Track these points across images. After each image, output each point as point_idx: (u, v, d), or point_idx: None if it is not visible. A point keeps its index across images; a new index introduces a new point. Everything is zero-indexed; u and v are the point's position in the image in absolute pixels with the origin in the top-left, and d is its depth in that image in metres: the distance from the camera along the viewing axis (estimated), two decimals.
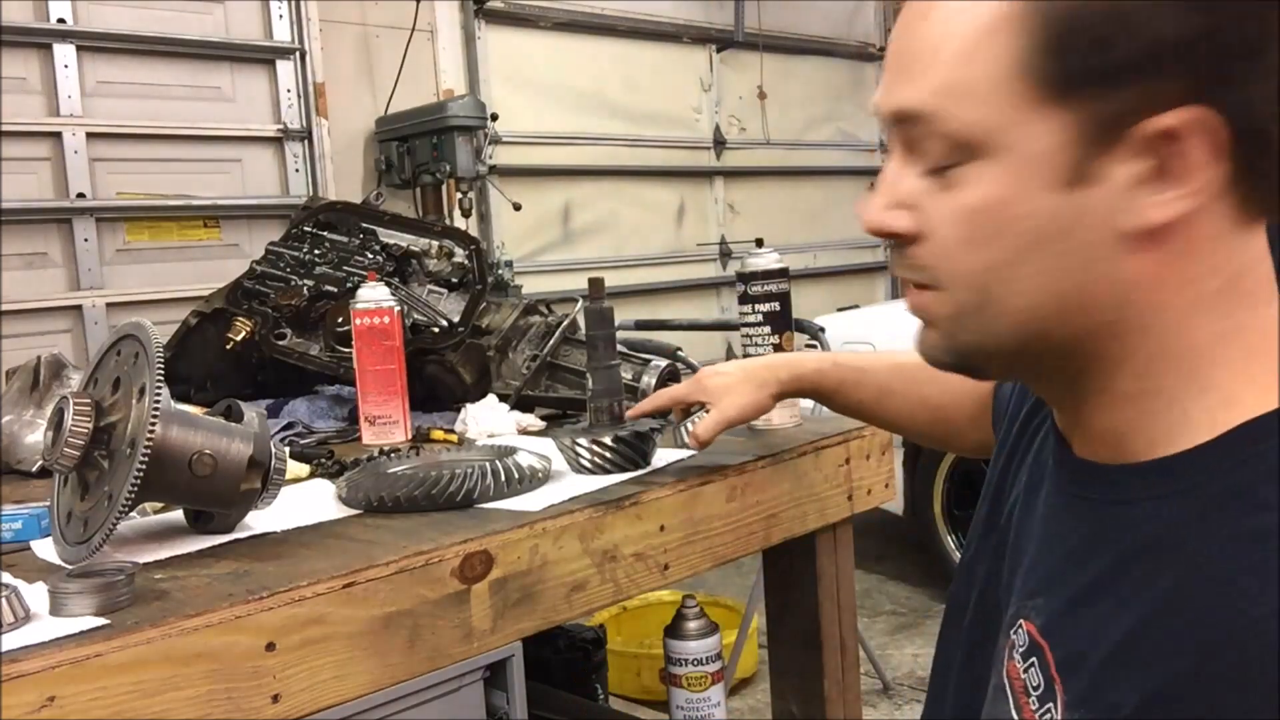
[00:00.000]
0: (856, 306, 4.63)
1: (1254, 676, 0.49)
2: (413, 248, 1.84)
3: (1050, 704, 0.59)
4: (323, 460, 1.38)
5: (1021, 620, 0.65)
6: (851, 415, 1.21)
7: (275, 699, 0.84)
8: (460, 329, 1.72)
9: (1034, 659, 0.62)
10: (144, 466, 0.92)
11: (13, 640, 0.77)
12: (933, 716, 0.83)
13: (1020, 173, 0.58)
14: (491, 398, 1.64)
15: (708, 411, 1.19)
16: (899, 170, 0.64)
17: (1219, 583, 0.52)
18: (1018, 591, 0.68)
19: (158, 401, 0.93)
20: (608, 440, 1.23)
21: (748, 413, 1.19)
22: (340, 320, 1.69)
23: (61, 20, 3.23)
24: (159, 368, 0.94)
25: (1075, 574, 0.61)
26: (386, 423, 1.55)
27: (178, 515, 1.11)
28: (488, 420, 1.56)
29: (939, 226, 0.62)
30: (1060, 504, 0.67)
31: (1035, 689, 0.61)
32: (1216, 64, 0.54)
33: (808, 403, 1.34)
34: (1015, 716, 0.63)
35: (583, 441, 1.24)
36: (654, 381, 1.60)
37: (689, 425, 1.20)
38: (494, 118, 4.07)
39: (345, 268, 1.81)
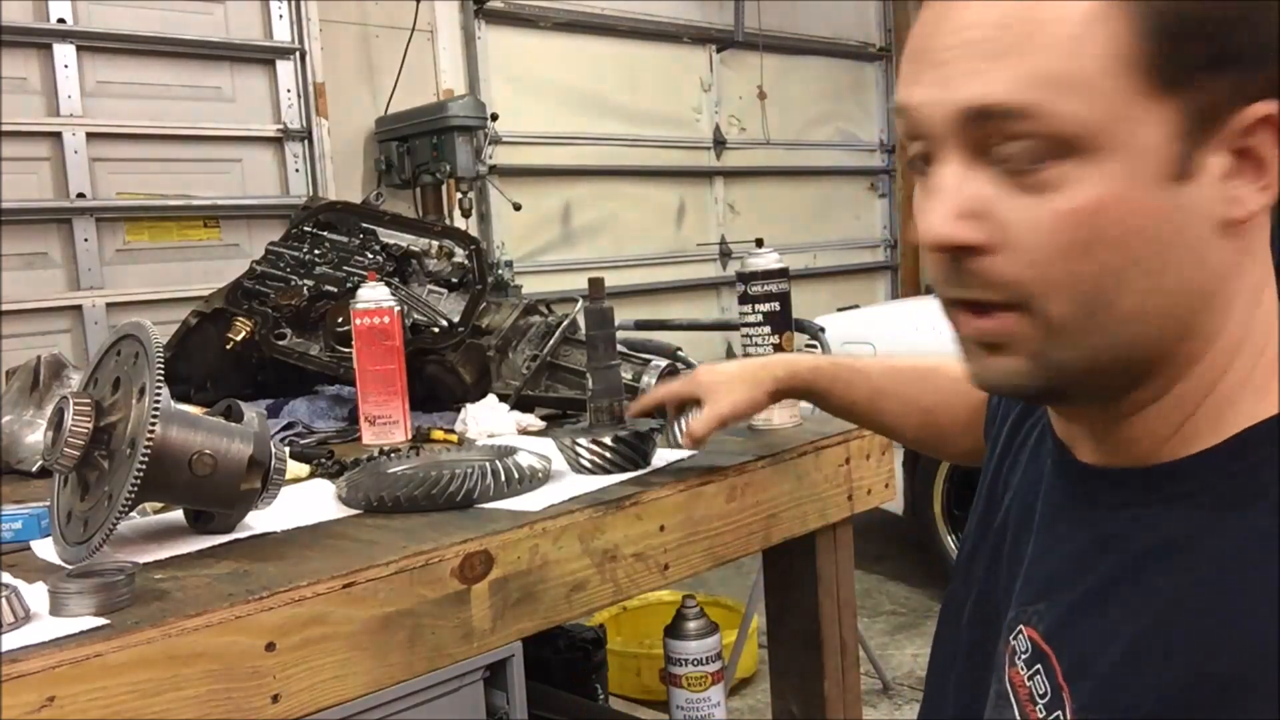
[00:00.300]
0: (856, 306, 4.64)
1: (1267, 678, 0.49)
2: (413, 248, 1.84)
3: (1059, 711, 0.58)
4: (323, 460, 1.38)
5: (1022, 625, 0.64)
6: (844, 417, 1.21)
7: (275, 699, 0.84)
8: (460, 329, 1.72)
9: (1039, 666, 0.61)
10: (144, 466, 0.92)
11: (13, 640, 0.77)
12: (931, 718, 0.83)
13: (1130, 170, 0.54)
14: (491, 398, 1.64)
15: (702, 408, 1.19)
16: (964, 174, 0.58)
17: (1232, 585, 0.52)
18: (1017, 596, 0.67)
19: (158, 401, 0.93)
20: (608, 440, 1.23)
21: (741, 409, 1.17)
22: (340, 320, 1.69)
23: (61, 20, 3.23)
24: (159, 368, 0.94)
25: (1080, 579, 0.61)
26: (386, 423, 1.55)
27: (178, 515, 1.11)
28: (488, 420, 1.56)
29: (1027, 235, 0.56)
30: (1061, 508, 0.67)
31: (1042, 696, 0.60)
32: None
33: (807, 403, 1.34)
34: None
35: (583, 441, 1.24)
36: (654, 381, 1.60)
37: (683, 423, 1.20)
38: (494, 118, 4.07)
39: (345, 268, 1.81)
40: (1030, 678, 0.62)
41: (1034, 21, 0.54)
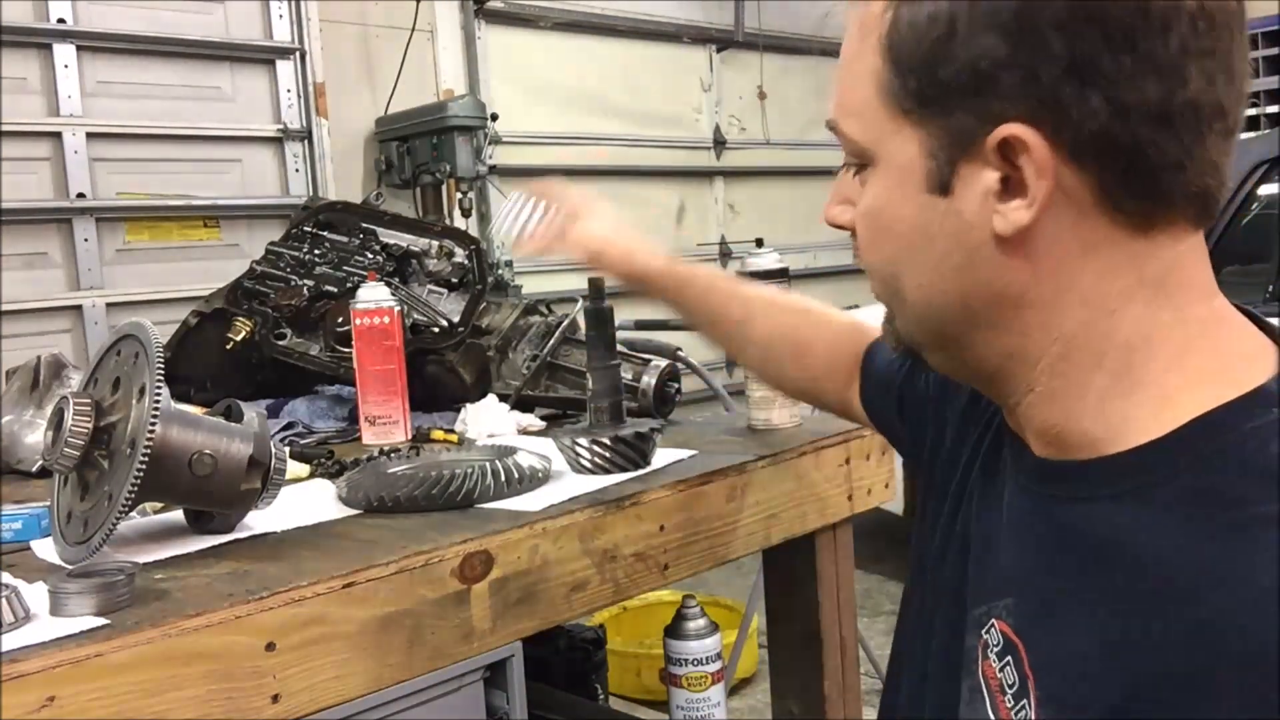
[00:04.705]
0: (856, 306, 4.64)
1: (1225, 673, 0.50)
2: (413, 248, 1.84)
3: (1024, 700, 0.60)
4: (323, 460, 1.38)
5: (994, 620, 0.66)
6: (711, 333, 1.20)
7: (275, 699, 0.84)
8: (460, 329, 1.72)
9: (1009, 657, 0.63)
10: (144, 466, 0.92)
11: (13, 640, 0.77)
12: (911, 717, 0.82)
13: (893, 179, 0.65)
14: (491, 398, 1.64)
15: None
16: (845, 171, 0.71)
17: (1194, 581, 0.53)
18: (988, 591, 0.68)
19: (158, 401, 0.93)
20: (607, 440, 1.23)
21: (613, 256, 1.17)
22: (340, 320, 1.69)
23: (61, 20, 3.23)
24: (159, 368, 0.94)
25: (1045, 575, 0.63)
26: (386, 423, 1.55)
27: (178, 515, 1.11)
28: (488, 420, 1.56)
29: (858, 224, 0.70)
30: (1024, 504, 0.68)
31: (1010, 686, 0.62)
32: (1031, 84, 0.57)
33: (806, 406, 1.33)
34: (992, 716, 0.64)
35: (583, 441, 1.24)
36: (654, 381, 1.60)
37: (533, 221, 1.17)
38: (494, 118, 4.07)
39: (345, 268, 1.81)
40: (1001, 669, 0.63)
41: (848, 59, 0.67)
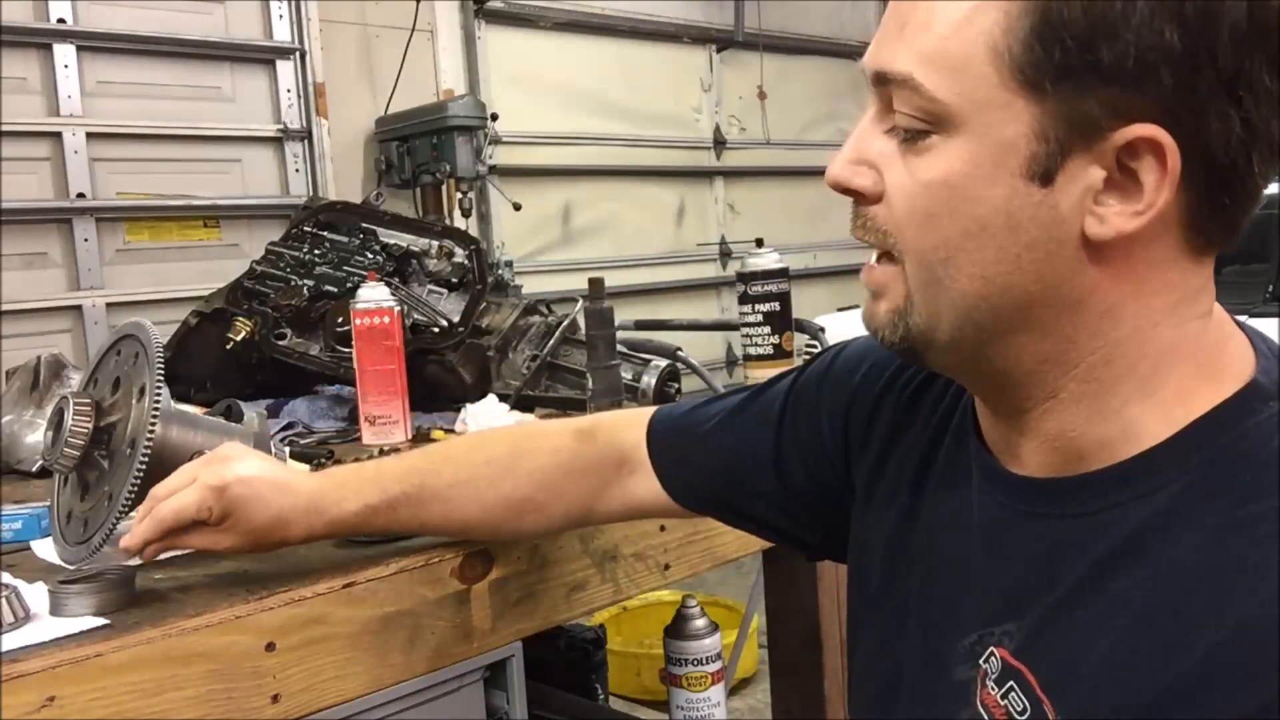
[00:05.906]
0: (857, 306, 4.63)
1: (1259, 667, 0.49)
2: (413, 248, 1.84)
3: None
4: (323, 460, 1.38)
5: (993, 647, 0.63)
6: (424, 534, 1.00)
7: (275, 699, 0.84)
8: (460, 329, 1.72)
9: (1012, 683, 0.61)
10: (144, 466, 0.92)
11: (13, 640, 0.77)
12: None
13: (984, 155, 0.58)
14: (491, 398, 1.64)
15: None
16: (871, 129, 0.64)
17: (1211, 577, 0.53)
18: (975, 619, 0.66)
19: (158, 401, 0.93)
20: None
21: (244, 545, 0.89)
22: (340, 320, 1.69)
23: (61, 20, 3.23)
24: (159, 368, 0.94)
25: (1044, 591, 0.61)
26: (386, 423, 1.55)
27: None
28: (488, 420, 1.55)
29: (899, 193, 0.61)
30: (1006, 524, 0.66)
31: (1021, 713, 0.60)
32: (1187, 89, 0.54)
33: None
34: None
35: None
36: (654, 381, 1.60)
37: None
38: (494, 118, 4.07)
39: (345, 268, 1.81)
40: (1004, 696, 0.61)
41: (937, 7, 0.59)
